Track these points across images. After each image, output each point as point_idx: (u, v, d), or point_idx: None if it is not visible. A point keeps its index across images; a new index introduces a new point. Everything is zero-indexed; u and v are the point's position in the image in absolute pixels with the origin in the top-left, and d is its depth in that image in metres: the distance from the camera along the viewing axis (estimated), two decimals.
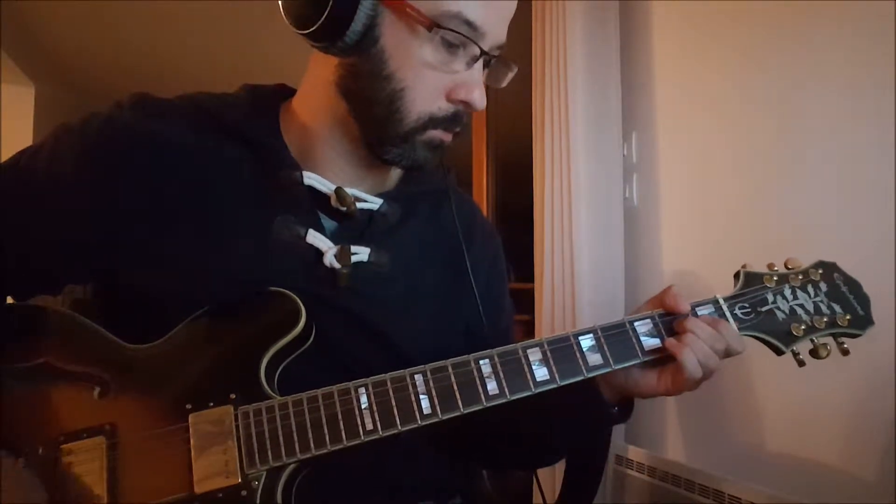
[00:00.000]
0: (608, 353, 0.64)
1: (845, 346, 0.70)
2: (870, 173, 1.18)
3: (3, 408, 0.62)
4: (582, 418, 0.75)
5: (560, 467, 1.66)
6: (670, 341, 0.65)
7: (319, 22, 0.64)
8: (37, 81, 3.79)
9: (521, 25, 2.04)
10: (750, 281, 0.71)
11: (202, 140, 0.72)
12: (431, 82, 0.68)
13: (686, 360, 0.63)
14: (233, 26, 3.23)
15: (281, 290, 0.66)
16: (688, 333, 0.65)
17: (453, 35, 0.65)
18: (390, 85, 0.67)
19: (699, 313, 0.68)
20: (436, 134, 0.70)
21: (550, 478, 1.74)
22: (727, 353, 0.66)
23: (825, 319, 0.69)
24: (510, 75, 0.75)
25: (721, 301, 0.69)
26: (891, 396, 1.10)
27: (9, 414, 0.62)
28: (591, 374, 0.64)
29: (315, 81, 0.74)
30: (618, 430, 1.67)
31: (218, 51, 3.56)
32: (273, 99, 0.79)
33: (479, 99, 0.69)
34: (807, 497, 1.19)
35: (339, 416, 0.60)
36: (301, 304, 0.65)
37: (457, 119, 0.71)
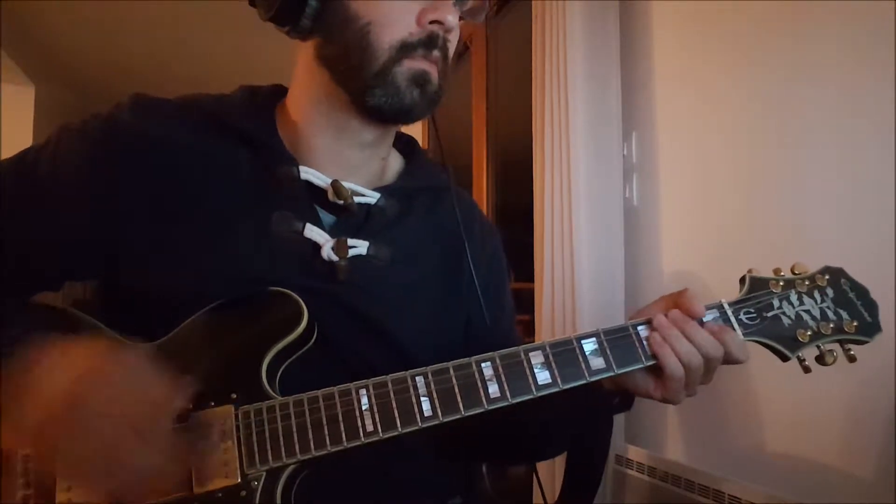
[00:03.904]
0: (611, 358, 0.64)
1: (852, 352, 0.69)
2: (870, 173, 1.18)
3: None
4: (582, 409, 0.74)
5: (560, 466, 1.66)
6: (653, 337, 0.64)
7: (278, 3, 0.68)
8: (37, 81, 3.79)
9: (522, 25, 2.04)
10: (755, 286, 0.70)
11: (201, 140, 0.73)
12: (396, 11, 0.69)
13: (667, 360, 0.63)
14: (232, 28, 3.23)
15: (283, 290, 0.66)
16: (665, 328, 0.64)
17: None
18: (356, 24, 0.69)
19: (704, 318, 0.67)
20: (414, 63, 0.70)
21: (550, 477, 1.74)
22: (730, 362, 0.65)
23: (831, 325, 0.68)
24: (483, 9, 0.76)
25: (726, 306, 0.68)
26: (890, 397, 1.10)
27: None
28: (593, 379, 0.64)
29: (300, 71, 0.76)
30: (618, 430, 1.67)
31: (217, 52, 3.57)
32: (269, 99, 0.80)
33: (450, 17, 0.69)
34: (807, 497, 1.19)
35: (340, 417, 0.60)
36: (303, 305, 0.65)
37: (432, 41, 0.70)
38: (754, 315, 0.68)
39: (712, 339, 0.65)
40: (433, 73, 0.71)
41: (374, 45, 0.69)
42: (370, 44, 0.68)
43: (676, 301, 0.67)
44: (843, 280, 0.72)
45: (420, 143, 0.91)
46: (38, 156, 0.71)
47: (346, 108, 0.73)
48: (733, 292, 0.71)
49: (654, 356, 0.64)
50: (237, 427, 0.60)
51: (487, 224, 0.93)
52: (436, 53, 0.71)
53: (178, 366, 0.64)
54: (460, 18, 0.74)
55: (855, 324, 0.69)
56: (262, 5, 0.71)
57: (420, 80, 0.70)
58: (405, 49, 0.69)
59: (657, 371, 0.66)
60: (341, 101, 0.73)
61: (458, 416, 0.61)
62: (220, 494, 0.58)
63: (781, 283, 0.70)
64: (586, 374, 0.63)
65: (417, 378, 0.62)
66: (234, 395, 0.62)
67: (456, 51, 0.79)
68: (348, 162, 0.77)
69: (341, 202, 0.73)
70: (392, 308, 0.74)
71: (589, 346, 0.64)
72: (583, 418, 0.77)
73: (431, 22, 0.69)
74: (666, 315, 0.66)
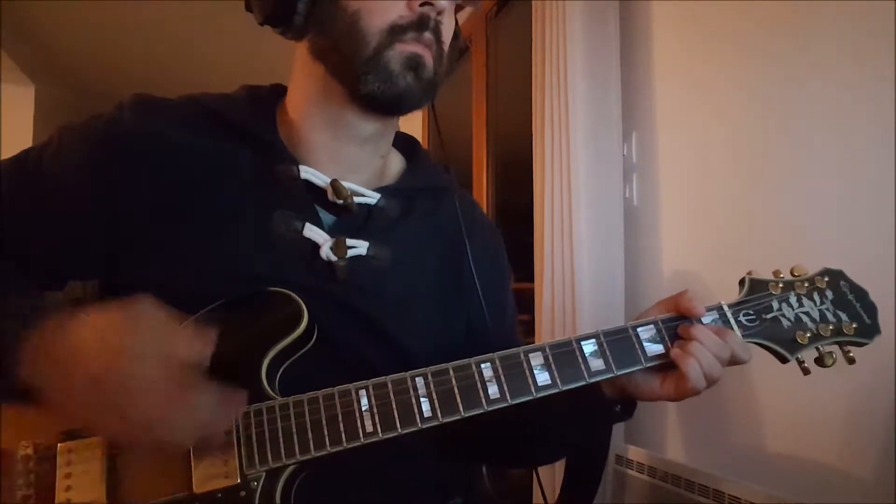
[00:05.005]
0: (610, 359, 0.64)
1: (851, 354, 0.69)
2: (871, 173, 1.18)
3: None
4: (583, 416, 0.74)
5: (560, 467, 1.66)
6: (675, 351, 0.64)
7: (271, 5, 0.70)
8: (37, 81, 3.79)
9: (522, 25, 2.04)
10: (755, 288, 0.70)
11: (202, 139, 0.73)
12: None
13: (690, 370, 0.62)
14: (232, 28, 3.23)
15: (283, 290, 0.66)
16: (693, 342, 0.64)
17: None
18: (345, 14, 0.69)
19: (703, 320, 0.67)
20: (406, 47, 0.70)
21: (550, 477, 1.74)
22: (732, 362, 0.66)
23: (831, 327, 0.69)
24: None
25: (725, 308, 0.68)
26: (890, 397, 1.10)
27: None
28: (593, 380, 0.64)
29: (297, 70, 0.77)
30: (618, 430, 1.67)
31: (217, 52, 3.57)
32: (270, 98, 0.80)
33: None
34: (807, 497, 1.19)
35: (339, 418, 0.60)
36: (303, 306, 0.65)
37: (423, 23, 0.70)
38: (753, 317, 0.68)
39: (721, 341, 0.65)
40: (426, 56, 0.71)
41: (364, 31, 0.69)
42: (360, 30, 0.69)
43: (676, 302, 0.67)
44: (842, 282, 0.72)
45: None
46: (39, 156, 0.71)
47: (341, 99, 0.73)
48: (733, 292, 0.71)
49: (678, 366, 0.64)
50: (237, 427, 0.60)
51: (489, 224, 0.93)
52: (427, 36, 0.70)
53: None
54: (458, 8, 0.73)
55: (854, 326, 0.69)
56: (256, 9, 0.73)
57: (413, 63, 0.70)
58: (395, 32, 0.69)
59: (663, 370, 0.66)
60: (337, 94, 0.73)
61: (457, 417, 0.61)
62: (219, 495, 0.58)
63: (781, 285, 0.70)
64: (586, 376, 0.63)
65: (417, 379, 0.62)
66: None
67: (456, 45, 0.79)
68: (348, 159, 0.77)
69: (341, 202, 0.74)
70: (392, 309, 0.74)
71: (589, 347, 0.64)
72: (583, 425, 0.77)
73: (422, 4, 0.69)
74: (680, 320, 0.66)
